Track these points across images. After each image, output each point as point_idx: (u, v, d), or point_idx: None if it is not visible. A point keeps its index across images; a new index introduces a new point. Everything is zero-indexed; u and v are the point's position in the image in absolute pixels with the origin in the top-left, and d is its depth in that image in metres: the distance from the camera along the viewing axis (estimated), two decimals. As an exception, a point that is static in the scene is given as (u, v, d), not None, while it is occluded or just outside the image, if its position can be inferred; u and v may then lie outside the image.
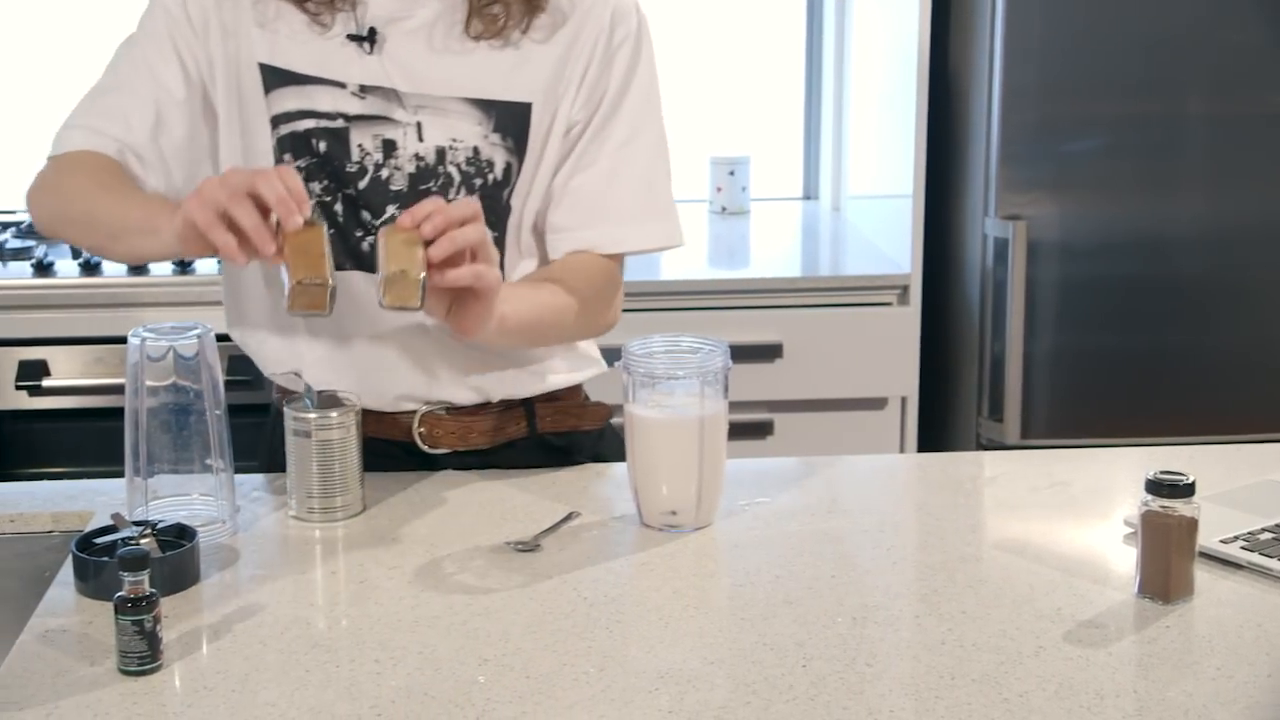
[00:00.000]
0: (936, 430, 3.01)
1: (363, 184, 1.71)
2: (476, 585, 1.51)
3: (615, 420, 1.78)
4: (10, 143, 3.25)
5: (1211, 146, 2.75)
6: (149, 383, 1.61)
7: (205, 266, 2.76)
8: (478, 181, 1.72)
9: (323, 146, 1.71)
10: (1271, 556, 1.53)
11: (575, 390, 1.88)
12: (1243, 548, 1.55)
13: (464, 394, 1.78)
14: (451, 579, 1.53)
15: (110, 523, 1.57)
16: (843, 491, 1.77)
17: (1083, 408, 2.83)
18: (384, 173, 1.71)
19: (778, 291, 2.82)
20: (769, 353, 2.78)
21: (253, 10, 1.71)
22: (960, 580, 1.53)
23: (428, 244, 1.47)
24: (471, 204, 1.53)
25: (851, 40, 3.23)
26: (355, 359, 1.76)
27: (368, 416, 1.74)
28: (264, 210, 1.44)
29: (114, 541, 1.51)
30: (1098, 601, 1.47)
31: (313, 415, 1.66)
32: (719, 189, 3.30)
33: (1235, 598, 1.48)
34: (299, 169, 1.67)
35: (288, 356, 1.78)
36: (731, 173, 3.30)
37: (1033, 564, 1.56)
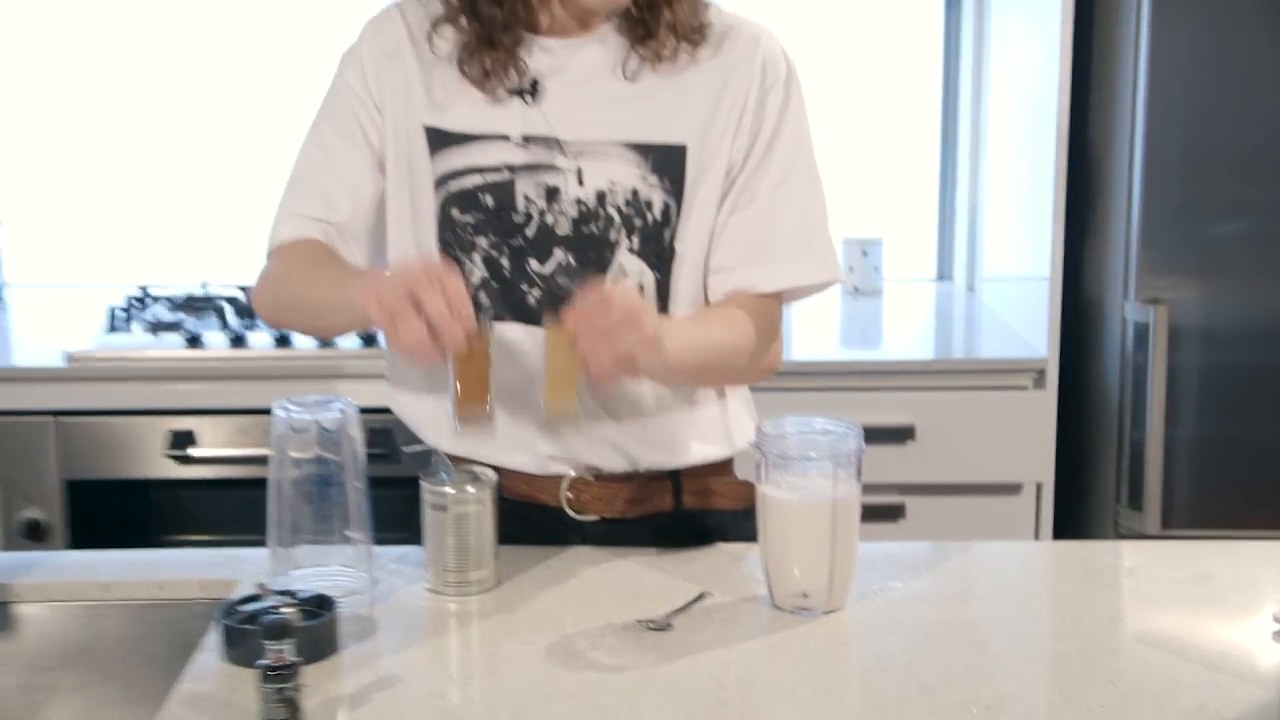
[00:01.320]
0: (1072, 518, 2.96)
1: (529, 232, 1.74)
2: (608, 663, 1.51)
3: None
4: (177, 221, 3.35)
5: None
6: (292, 454, 1.64)
7: (345, 342, 2.81)
8: (638, 222, 1.74)
9: (489, 200, 1.74)
10: None
11: (723, 466, 1.87)
12: (1394, 646, 1.51)
13: (613, 459, 1.79)
14: (583, 656, 1.53)
15: (254, 591, 1.59)
16: (976, 577, 1.75)
17: (1227, 498, 2.76)
18: (548, 219, 1.74)
19: (911, 373, 2.81)
20: (901, 435, 2.76)
21: (419, 76, 1.75)
22: (1099, 673, 1.50)
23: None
24: (629, 298, 1.54)
25: (988, 116, 3.22)
26: (511, 416, 1.76)
27: (516, 478, 1.76)
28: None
29: (258, 610, 1.53)
30: (1245, 699, 1.44)
31: (449, 490, 1.67)
32: (852, 269, 3.29)
33: (1386, 698, 1.45)
34: (467, 226, 1.73)
35: (443, 417, 1.77)
36: (865, 253, 3.29)
37: (1175, 659, 1.53)
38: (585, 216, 1.74)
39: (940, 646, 1.56)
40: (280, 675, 1.36)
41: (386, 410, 2.66)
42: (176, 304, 3.07)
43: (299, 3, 3.30)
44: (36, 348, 2.87)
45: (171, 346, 2.80)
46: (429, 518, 1.68)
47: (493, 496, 1.69)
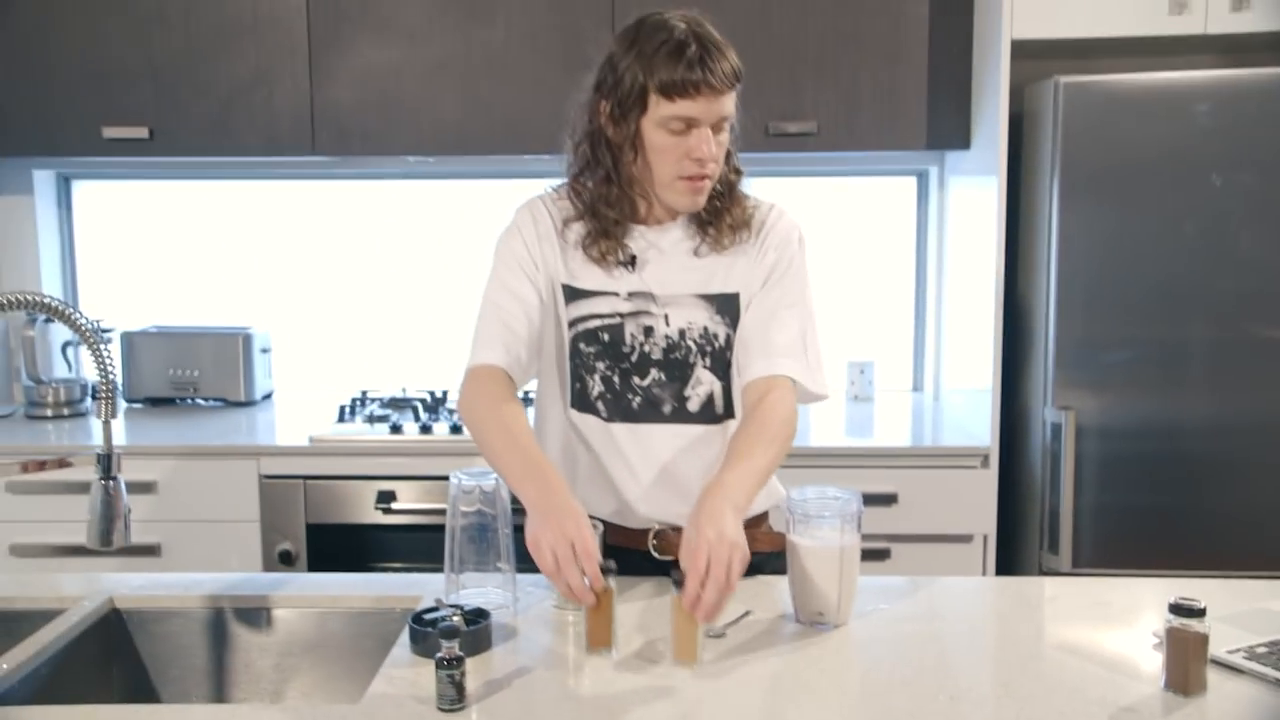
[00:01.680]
0: (1009, 560, 2.89)
1: (633, 358, 1.75)
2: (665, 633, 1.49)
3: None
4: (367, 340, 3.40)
5: (1212, 359, 2.65)
6: (462, 509, 1.64)
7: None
8: (708, 348, 1.74)
9: (606, 337, 1.75)
10: (1266, 665, 1.43)
11: (761, 519, 1.85)
12: (1244, 658, 1.46)
13: (684, 519, 1.77)
14: (660, 653, 1.51)
15: (434, 604, 1.59)
16: (941, 603, 1.71)
17: (1119, 546, 2.70)
18: (646, 348, 1.75)
19: (894, 456, 2.77)
20: (888, 500, 2.72)
21: (559, 252, 1.77)
22: (1029, 672, 1.46)
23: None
24: (743, 562, 1.45)
25: (948, 273, 3.20)
26: (622, 492, 1.77)
27: (616, 530, 1.76)
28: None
29: (436, 617, 1.53)
30: (1133, 692, 1.40)
31: (571, 535, 1.66)
32: (852, 383, 3.28)
33: (1238, 694, 1.39)
34: (589, 354, 1.74)
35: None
36: (861, 371, 3.27)
37: (1083, 662, 1.49)
38: (672, 346, 1.74)
39: (916, 652, 1.52)
40: (451, 664, 1.35)
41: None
42: (385, 403, 3.10)
43: (467, 196, 3.36)
44: (292, 432, 2.90)
45: (381, 433, 2.82)
46: (556, 554, 1.67)
47: (599, 541, 1.67)
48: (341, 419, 2.95)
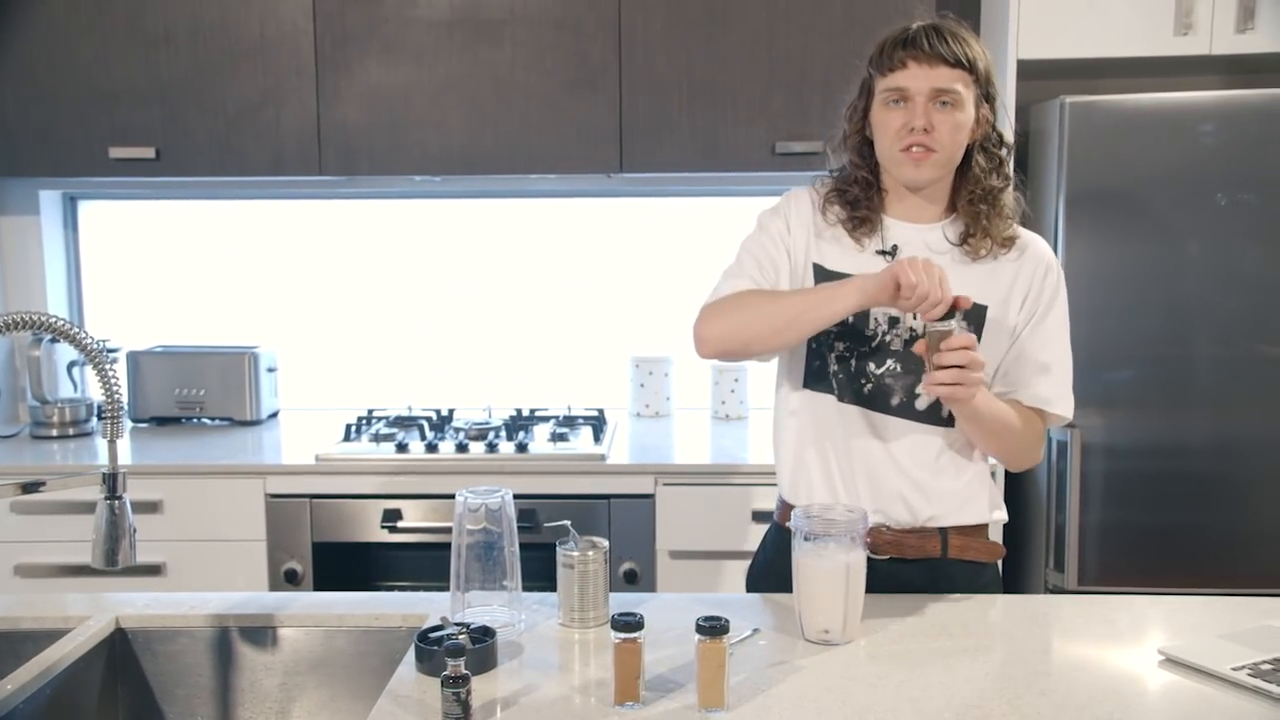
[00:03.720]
0: (1017, 578, 2.89)
1: (874, 344, 1.78)
2: (686, 678, 1.49)
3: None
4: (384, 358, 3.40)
5: (1217, 377, 2.65)
6: (468, 527, 1.64)
7: (504, 449, 2.83)
8: None
9: (850, 318, 1.76)
10: (1271, 682, 1.43)
11: (981, 528, 1.85)
12: (1249, 675, 1.46)
13: (902, 515, 1.80)
14: (667, 672, 1.51)
15: (440, 622, 1.59)
16: (949, 620, 1.71)
17: (1124, 564, 2.69)
18: (888, 338, 1.78)
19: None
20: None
21: (815, 231, 1.83)
22: (1035, 688, 1.46)
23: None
24: (970, 338, 1.62)
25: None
26: (842, 479, 1.81)
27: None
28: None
29: (442, 635, 1.54)
30: (1139, 709, 1.40)
31: (575, 554, 1.67)
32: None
33: (1243, 712, 1.39)
34: (831, 332, 1.77)
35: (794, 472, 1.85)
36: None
37: (1090, 678, 1.49)
38: (912, 340, 1.77)
39: (923, 669, 1.52)
40: (456, 682, 1.35)
41: (532, 496, 2.70)
42: (391, 422, 3.11)
43: (474, 215, 3.38)
44: (298, 451, 2.90)
45: (387, 451, 2.82)
46: (561, 573, 1.68)
47: (604, 558, 1.68)
48: (347, 438, 2.96)
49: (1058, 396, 1.80)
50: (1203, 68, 2.87)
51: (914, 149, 1.72)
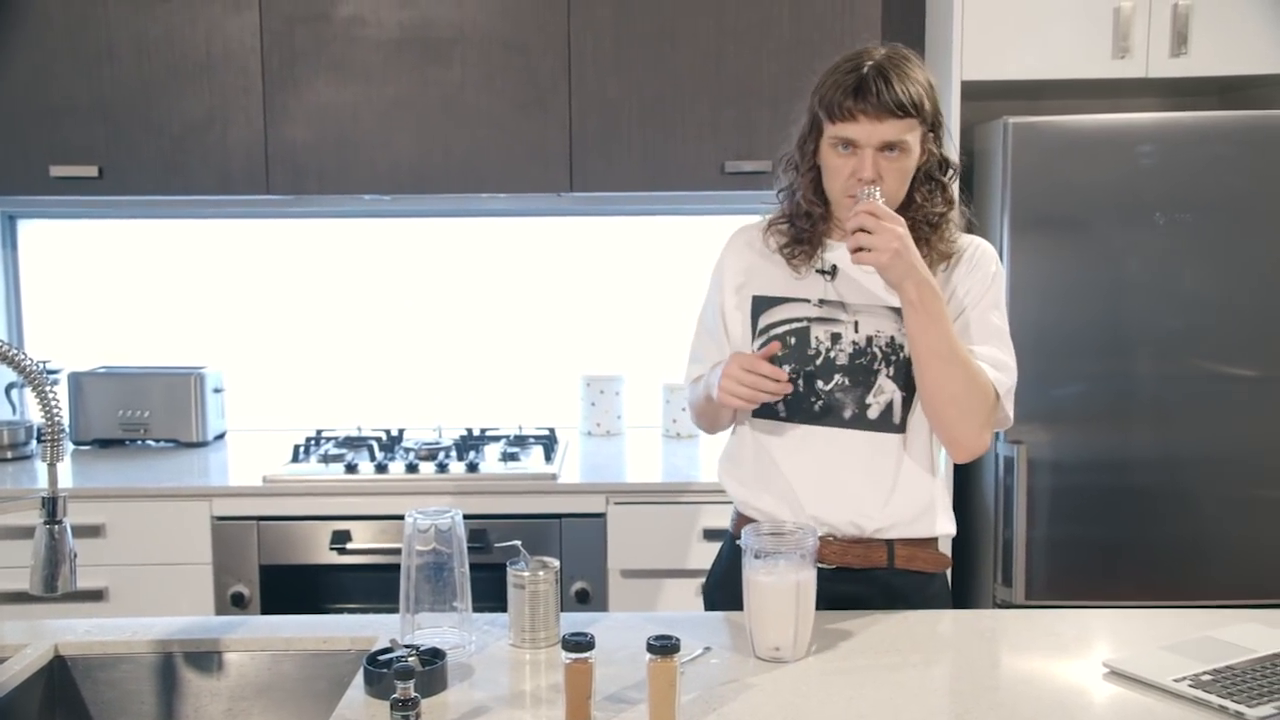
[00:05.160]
0: (965, 593, 2.92)
1: (819, 361, 1.80)
2: (635, 696, 1.49)
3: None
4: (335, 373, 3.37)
5: (1159, 393, 2.70)
6: (417, 548, 1.64)
7: (454, 469, 2.81)
8: (893, 358, 1.79)
9: (793, 340, 1.81)
10: (1211, 693, 1.46)
11: (930, 541, 1.85)
12: (1190, 686, 1.48)
13: (849, 529, 1.81)
14: (620, 691, 1.50)
15: (389, 645, 1.58)
16: (899, 636, 1.72)
17: (1070, 577, 2.73)
18: (832, 355, 1.80)
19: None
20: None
21: (750, 268, 1.87)
22: (984, 703, 1.47)
23: None
24: (876, 205, 1.67)
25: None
26: (794, 493, 1.82)
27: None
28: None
29: (391, 658, 1.52)
30: (1086, 723, 1.41)
31: (526, 574, 1.66)
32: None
33: (1190, 724, 1.41)
34: (776, 359, 1.77)
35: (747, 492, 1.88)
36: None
37: (1037, 692, 1.50)
38: (858, 353, 1.79)
39: (874, 686, 1.53)
40: (406, 705, 1.34)
41: (483, 516, 2.68)
42: (340, 442, 3.08)
43: (424, 235, 3.37)
44: (245, 473, 2.87)
45: (336, 472, 2.79)
46: (511, 594, 1.67)
47: (555, 579, 1.67)
48: (296, 459, 2.93)
49: (1003, 377, 1.78)
50: (1140, 90, 2.93)
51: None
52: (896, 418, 1.79)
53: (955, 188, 1.84)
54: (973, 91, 2.80)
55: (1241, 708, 1.42)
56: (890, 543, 1.81)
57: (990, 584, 2.80)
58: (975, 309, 1.81)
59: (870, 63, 1.72)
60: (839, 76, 1.73)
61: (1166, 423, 2.70)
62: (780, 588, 1.59)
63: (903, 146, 1.72)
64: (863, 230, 1.64)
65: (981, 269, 1.82)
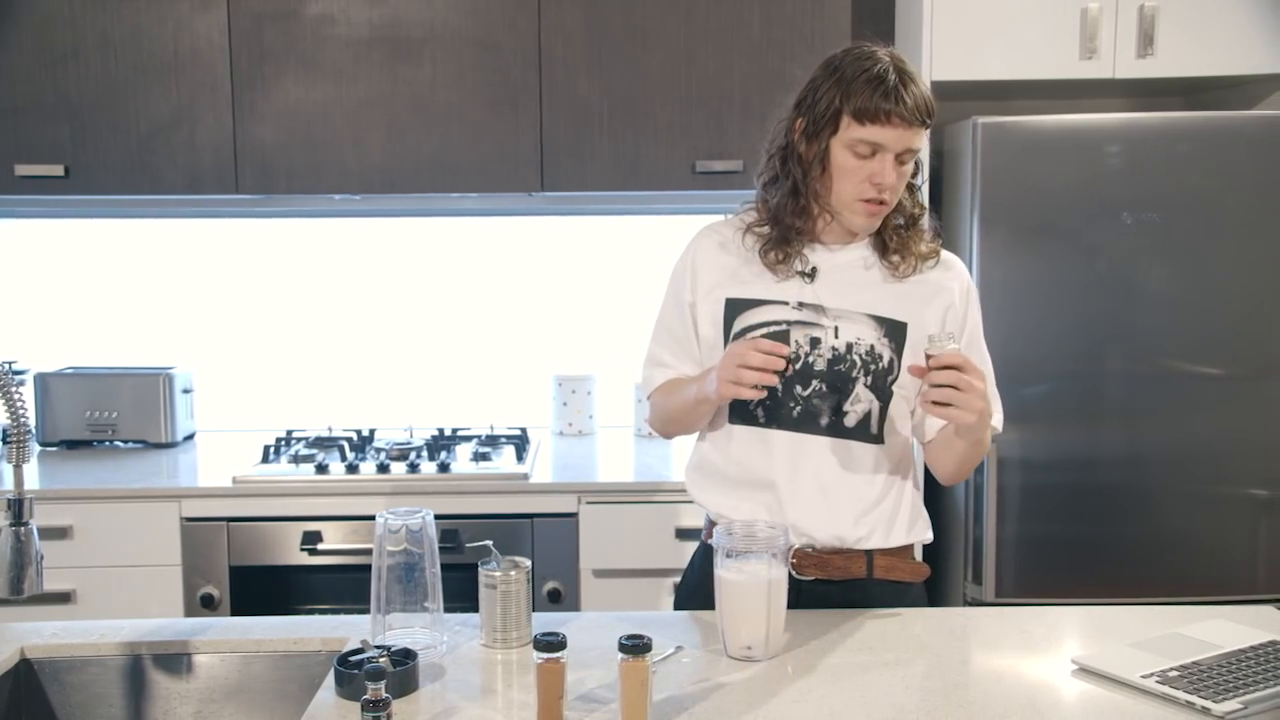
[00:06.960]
0: (936, 591, 2.93)
1: (797, 366, 1.77)
2: (607, 696, 1.49)
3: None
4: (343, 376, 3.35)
5: (1127, 392, 2.72)
6: (388, 548, 1.63)
7: (425, 469, 2.80)
8: (872, 367, 1.78)
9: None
10: (1179, 689, 1.47)
11: (907, 549, 1.86)
12: (1157, 682, 1.49)
13: (828, 539, 1.80)
14: (593, 692, 1.50)
15: (360, 646, 1.57)
16: (871, 635, 1.73)
17: (1039, 575, 2.74)
18: (811, 359, 1.78)
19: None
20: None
21: (725, 268, 1.84)
22: (954, 700, 1.48)
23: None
24: (958, 356, 1.62)
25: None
26: (772, 501, 1.80)
27: None
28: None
29: (362, 659, 1.51)
30: (1051, 718, 1.42)
31: (498, 574, 1.66)
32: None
33: (1149, 719, 1.42)
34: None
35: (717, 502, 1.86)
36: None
37: (1006, 689, 1.51)
38: (837, 359, 1.78)
39: (845, 684, 1.53)
40: (377, 706, 1.33)
41: (454, 516, 2.68)
42: (310, 443, 3.06)
43: (393, 234, 3.35)
44: (214, 473, 2.85)
45: (306, 473, 2.78)
46: (483, 594, 1.67)
47: (527, 578, 1.67)
48: (266, 459, 2.91)
49: (995, 408, 1.84)
50: (1107, 90, 2.96)
51: (873, 203, 1.74)
52: (874, 428, 1.79)
53: (926, 192, 1.85)
54: (942, 92, 2.79)
55: (1208, 703, 1.43)
56: (869, 553, 1.81)
57: (961, 582, 2.82)
58: (975, 343, 1.84)
59: (890, 62, 1.70)
60: (868, 77, 1.68)
61: (1135, 421, 2.72)
62: (751, 586, 1.59)
63: (915, 154, 1.74)
64: (952, 387, 1.60)
65: (974, 296, 1.86)
